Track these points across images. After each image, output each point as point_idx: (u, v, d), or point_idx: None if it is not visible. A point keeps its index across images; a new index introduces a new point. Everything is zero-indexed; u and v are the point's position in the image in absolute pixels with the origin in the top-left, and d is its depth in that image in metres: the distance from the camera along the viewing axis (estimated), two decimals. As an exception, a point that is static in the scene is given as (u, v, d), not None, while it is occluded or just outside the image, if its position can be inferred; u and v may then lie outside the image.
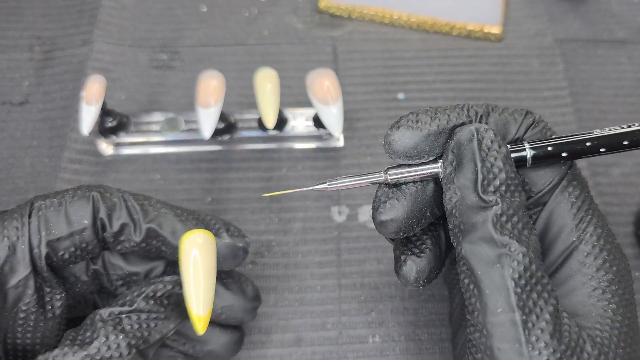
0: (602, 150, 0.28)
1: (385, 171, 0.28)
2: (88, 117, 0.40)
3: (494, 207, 0.25)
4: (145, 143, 0.45)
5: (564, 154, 0.27)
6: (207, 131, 0.41)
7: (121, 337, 0.28)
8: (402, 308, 0.39)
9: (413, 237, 0.29)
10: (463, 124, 0.27)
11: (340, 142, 0.46)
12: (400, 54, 0.51)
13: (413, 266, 0.28)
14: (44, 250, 0.29)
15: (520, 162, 0.27)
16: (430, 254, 0.29)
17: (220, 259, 0.31)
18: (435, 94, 0.49)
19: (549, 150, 0.27)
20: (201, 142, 0.45)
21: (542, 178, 0.28)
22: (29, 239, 0.29)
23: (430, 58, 0.51)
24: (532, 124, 0.28)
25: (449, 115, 0.27)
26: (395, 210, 0.27)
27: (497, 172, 0.25)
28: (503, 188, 0.25)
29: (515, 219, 0.25)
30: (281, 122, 0.44)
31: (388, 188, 0.28)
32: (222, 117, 0.43)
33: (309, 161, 0.45)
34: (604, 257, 0.27)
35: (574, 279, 0.27)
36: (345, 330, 0.39)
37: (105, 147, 0.45)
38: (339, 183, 0.29)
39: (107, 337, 0.28)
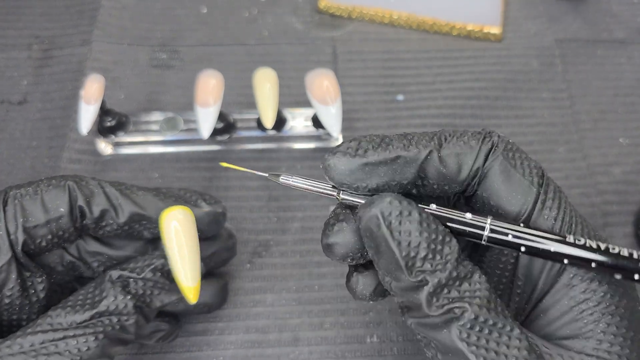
0: (565, 261, 0.25)
1: (338, 192, 0.26)
2: (87, 116, 0.40)
3: (424, 288, 0.24)
4: (144, 142, 0.45)
5: (522, 249, 0.25)
6: (205, 130, 0.41)
7: (129, 297, 0.30)
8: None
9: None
10: (401, 158, 0.25)
11: (339, 143, 0.46)
12: (400, 55, 0.51)
13: (359, 278, 0.27)
14: (20, 237, 0.30)
15: (476, 238, 0.25)
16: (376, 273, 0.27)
17: (203, 227, 0.33)
18: (434, 94, 0.49)
19: (507, 241, 0.25)
20: (200, 141, 0.45)
21: (514, 204, 0.26)
22: (6, 226, 0.30)
23: (429, 59, 0.51)
24: (491, 148, 0.26)
25: (392, 146, 0.26)
26: (343, 234, 0.26)
27: (417, 246, 0.24)
28: (430, 257, 0.24)
29: (450, 283, 0.24)
30: (280, 122, 0.44)
31: (341, 209, 0.27)
32: (221, 116, 0.43)
33: (308, 161, 0.45)
34: (590, 275, 0.25)
35: (560, 304, 0.26)
36: (343, 329, 0.39)
37: (104, 147, 0.45)
38: (292, 180, 0.27)
39: (115, 297, 0.30)
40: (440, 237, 0.24)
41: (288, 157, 0.45)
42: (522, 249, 0.25)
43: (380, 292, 0.28)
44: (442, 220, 0.25)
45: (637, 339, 0.25)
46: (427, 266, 0.24)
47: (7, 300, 0.30)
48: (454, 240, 0.25)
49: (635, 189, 0.45)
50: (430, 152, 0.26)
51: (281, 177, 0.27)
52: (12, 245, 0.30)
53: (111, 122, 0.44)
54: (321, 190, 0.27)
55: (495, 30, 0.51)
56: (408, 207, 0.24)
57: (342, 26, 0.53)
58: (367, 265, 0.28)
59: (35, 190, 0.31)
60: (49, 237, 0.31)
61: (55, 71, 0.49)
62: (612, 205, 0.44)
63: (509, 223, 0.25)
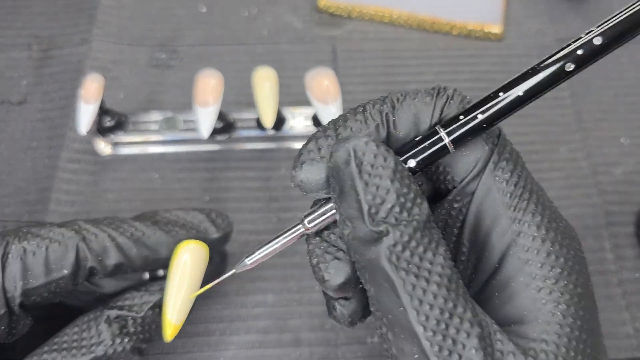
0: (522, 103, 0.24)
1: (302, 221, 0.25)
2: (86, 116, 0.40)
3: (384, 239, 0.21)
4: (143, 142, 0.45)
5: (479, 117, 0.23)
6: (205, 130, 0.40)
7: (126, 339, 0.30)
8: (401, 308, 0.39)
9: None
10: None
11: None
12: (400, 54, 0.51)
13: (344, 311, 0.25)
14: (18, 299, 0.28)
15: (444, 151, 0.23)
16: (359, 294, 0.25)
17: (214, 249, 0.33)
18: (435, 93, 0.49)
19: (463, 125, 0.23)
20: (199, 141, 0.45)
21: (464, 163, 0.24)
22: (3, 286, 0.28)
23: (430, 58, 0.51)
24: (446, 102, 0.24)
25: (351, 129, 0.23)
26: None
27: (385, 194, 0.21)
28: (396, 211, 0.21)
29: (413, 244, 0.21)
30: (280, 122, 0.44)
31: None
32: (221, 116, 0.43)
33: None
34: (547, 249, 0.23)
35: (515, 281, 0.23)
36: (343, 331, 0.39)
37: (104, 147, 0.45)
38: (259, 254, 0.25)
39: (113, 341, 0.29)
40: (412, 195, 0.22)
41: (288, 157, 0.45)
42: (480, 116, 0.23)
43: (367, 313, 0.26)
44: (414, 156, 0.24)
45: (585, 319, 0.23)
46: (392, 219, 0.21)
47: None
48: (426, 204, 0.22)
49: (637, 189, 0.44)
50: (387, 115, 0.24)
51: (246, 260, 0.25)
52: (7, 303, 0.28)
53: (110, 122, 0.44)
54: (289, 238, 0.25)
55: (496, 29, 0.51)
56: (384, 153, 0.22)
57: (342, 25, 0.53)
58: (349, 294, 0.25)
59: (39, 245, 0.29)
60: (46, 294, 0.29)
61: (55, 71, 0.49)
62: (614, 205, 0.44)
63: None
